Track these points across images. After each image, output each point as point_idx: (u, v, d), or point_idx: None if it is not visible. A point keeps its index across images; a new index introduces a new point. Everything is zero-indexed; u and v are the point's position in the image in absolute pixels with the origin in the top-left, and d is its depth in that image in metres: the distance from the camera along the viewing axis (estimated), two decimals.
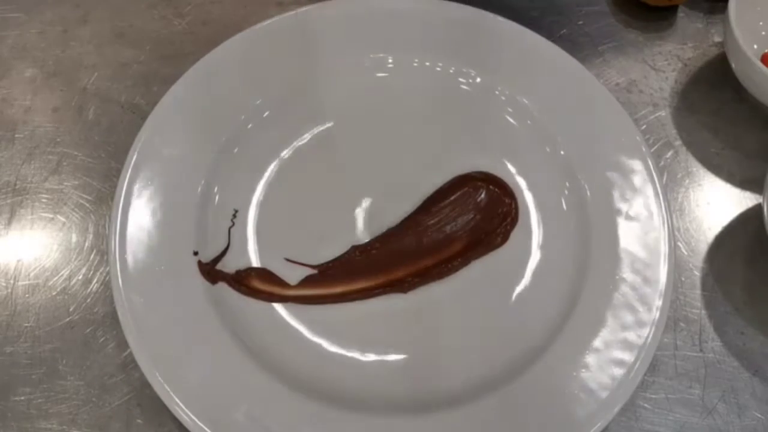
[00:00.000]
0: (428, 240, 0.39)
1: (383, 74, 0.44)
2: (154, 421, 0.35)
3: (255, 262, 0.39)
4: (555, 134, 0.42)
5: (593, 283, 0.37)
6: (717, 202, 0.43)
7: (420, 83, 0.44)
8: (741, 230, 0.41)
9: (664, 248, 0.37)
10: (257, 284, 0.38)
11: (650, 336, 0.35)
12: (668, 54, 0.48)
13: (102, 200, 0.41)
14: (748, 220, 0.42)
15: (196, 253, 0.38)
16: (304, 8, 0.44)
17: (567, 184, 0.41)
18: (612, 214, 0.39)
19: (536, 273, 0.39)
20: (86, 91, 0.45)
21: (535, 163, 0.42)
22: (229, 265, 0.38)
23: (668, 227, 0.38)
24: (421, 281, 0.38)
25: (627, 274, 0.37)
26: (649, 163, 0.40)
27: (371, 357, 0.36)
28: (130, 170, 0.39)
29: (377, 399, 0.35)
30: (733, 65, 0.43)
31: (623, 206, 0.39)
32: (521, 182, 0.41)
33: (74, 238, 0.40)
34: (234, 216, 0.40)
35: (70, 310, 0.38)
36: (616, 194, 0.40)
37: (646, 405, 0.37)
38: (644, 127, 0.45)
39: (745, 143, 0.45)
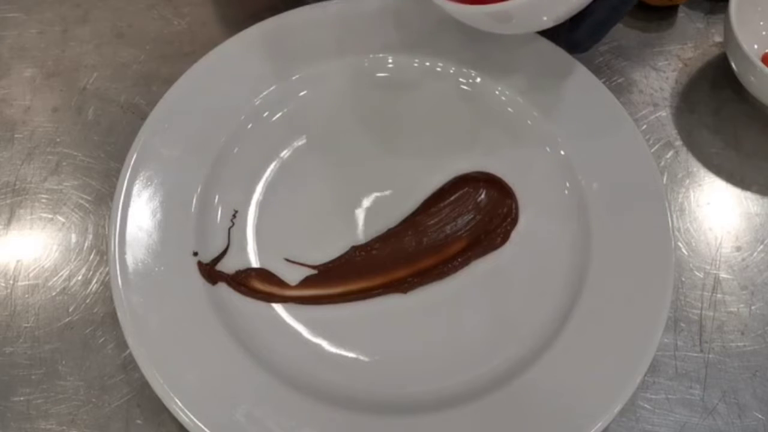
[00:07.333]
0: (428, 240, 0.39)
1: (383, 74, 0.44)
2: (153, 422, 0.35)
3: (255, 263, 0.39)
4: (555, 134, 0.42)
5: (593, 284, 0.37)
6: (717, 202, 0.43)
7: (420, 83, 0.44)
8: None
9: (664, 248, 0.37)
10: (257, 284, 0.38)
11: (651, 336, 0.35)
12: (668, 54, 0.48)
13: (101, 200, 0.41)
14: None
15: (195, 254, 0.38)
16: (304, 8, 0.44)
17: (567, 184, 0.41)
18: (612, 214, 0.39)
19: (536, 273, 0.39)
20: (86, 92, 0.45)
21: (535, 163, 0.42)
22: (229, 265, 0.38)
23: (668, 227, 0.38)
24: (421, 281, 0.38)
25: (627, 274, 0.37)
26: (650, 163, 0.40)
27: (371, 357, 0.36)
28: (129, 170, 0.39)
29: (377, 399, 0.35)
30: (733, 65, 0.43)
31: (623, 206, 0.39)
32: (521, 182, 0.41)
33: (74, 238, 0.40)
34: (234, 216, 0.40)
35: (70, 310, 0.38)
36: (616, 194, 0.40)
37: (646, 405, 0.37)
38: (644, 127, 0.45)
39: (745, 143, 0.45)
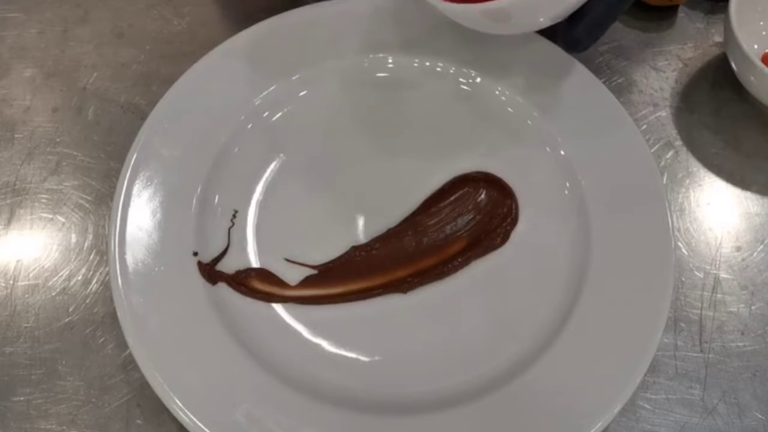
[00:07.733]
0: (428, 240, 0.39)
1: (383, 74, 0.44)
2: (153, 422, 0.35)
3: (255, 263, 0.39)
4: (555, 134, 0.42)
5: (593, 284, 0.37)
6: (717, 202, 0.43)
7: (420, 83, 0.44)
8: None
9: (664, 248, 0.37)
10: (257, 285, 0.38)
11: (651, 336, 0.35)
12: (668, 54, 0.48)
13: (101, 200, 0.41)
14: None
15: (195, 254, 0.38)
16: (303, 8, 0.44)
17: (567, 184, 0.41)
18: (612, 214, 0.39)
19: (536, 273, 0.39)
20: (86, 92, 0.45)
21: (535, 163, 0.42)
22: (229, 265, 0.38)
23: (668, 227, 0.38)
24: (421, 281, 0.38)
25: (627, 274, 0.37)
26: (650, 163, 0.40)
27: (371, 357, 0.36)
28: (129, 170, 0.39)
29: (377, 399, 0.35)
30: (733, 65, 0.43)
31: (623, 206, 0.39)
32: (521, 182, 0.41)
33: (74, 238, 0.40)
34: (234, 216, 0.40)
35: (70, 310, 0.38)
36: (616, 194, 0.40)
37: (646, 405, 0.37)
38: (644, 127, 0.45)
39: (745, 143, 0.45)
